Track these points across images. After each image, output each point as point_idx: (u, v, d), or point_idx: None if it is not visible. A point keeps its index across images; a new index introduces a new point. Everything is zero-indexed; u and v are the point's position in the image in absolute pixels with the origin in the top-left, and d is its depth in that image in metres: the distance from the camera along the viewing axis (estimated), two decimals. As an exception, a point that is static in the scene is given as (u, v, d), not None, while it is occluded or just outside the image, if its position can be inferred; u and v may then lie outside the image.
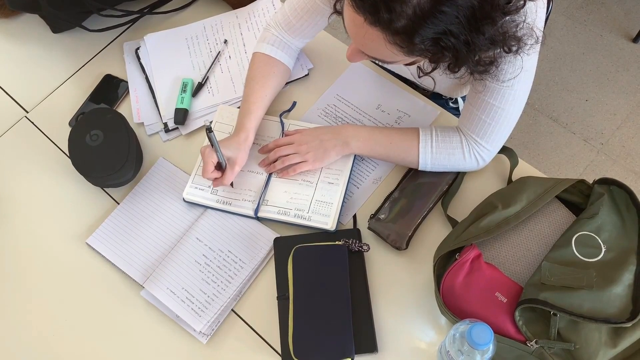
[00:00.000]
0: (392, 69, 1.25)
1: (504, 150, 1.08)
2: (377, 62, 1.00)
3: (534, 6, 0.87)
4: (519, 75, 0.92)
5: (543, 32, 0.89)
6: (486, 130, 1.01)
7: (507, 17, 0.77)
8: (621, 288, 0.86)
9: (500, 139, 1.03)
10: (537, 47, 0.89)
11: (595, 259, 0.90)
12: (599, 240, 0.92)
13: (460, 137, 1.04)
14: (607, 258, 0.90)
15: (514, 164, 1.08)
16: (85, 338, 1.02)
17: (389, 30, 0.74)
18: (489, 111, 0.98)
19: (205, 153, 1.03)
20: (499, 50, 0.81)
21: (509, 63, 0.90)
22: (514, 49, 0.82)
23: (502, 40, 0.79)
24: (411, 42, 0.74)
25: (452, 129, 1.06)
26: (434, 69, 0.89)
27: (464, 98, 1.33)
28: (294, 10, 1.11)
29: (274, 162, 1.10)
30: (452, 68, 0.84)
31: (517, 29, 0.80)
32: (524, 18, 0.80)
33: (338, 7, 0.88)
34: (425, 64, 1.01)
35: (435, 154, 1.04)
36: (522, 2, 0.77)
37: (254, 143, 1.13)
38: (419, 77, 1.06)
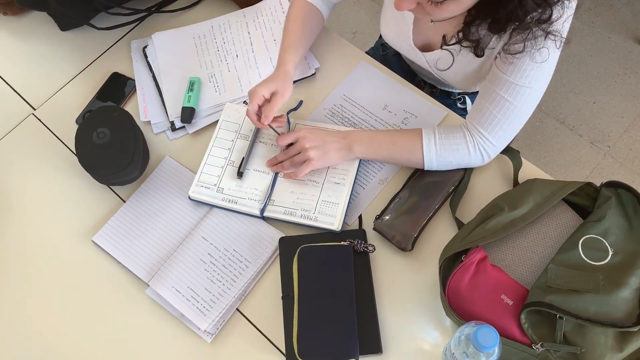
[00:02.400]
0: (412, 60, 1.23)
1: (508, 151, 1.08)
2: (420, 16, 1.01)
3: (566, 14, 0.89)
4: (537, 76, 0.93)
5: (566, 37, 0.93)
6: (495, 125, 1.00)
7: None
8: (628, 292, 0.86)
9: (506, 135, 1.02)
10: (559, 51, 0.92)
11: (602, 263, 0.90)
12: (606, 244, 0.91)
13: (464, 132, 1.04)
14: (614, 261, 0.90)
15: (517, 166, 1.08)
16: (90, 335, 1.02)
17: None
18: (501, 106, 0.98)
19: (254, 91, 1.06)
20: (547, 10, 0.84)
21: (529, 64, 0.92)
22: (555, 16, 0.85)
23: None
24: None
25: (454, 126, 1.06)
26: (473, 22, 0.91)
27: (472, 99, 1.32)
28: None
29: (282, 161, 1.10)
30: (502, 16, 0.85)
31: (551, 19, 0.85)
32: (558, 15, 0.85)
33: None
34: (452, 38, 1.03)
35: (439, 151, 1.04)
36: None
37: (261, 142, 1.13)
38: (441, 48, 1.07)
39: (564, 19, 0.89)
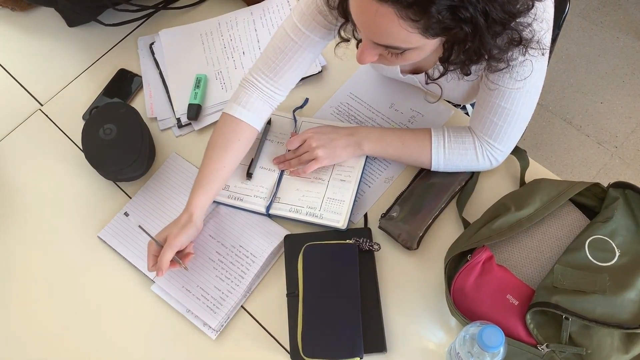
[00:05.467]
0: (403, 79, 1.22)
1: (515, 151, 1.07)
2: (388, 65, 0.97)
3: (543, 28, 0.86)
4: (529, 77, 0.91)
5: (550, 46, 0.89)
6: (498, 132, 1.00)
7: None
8: (635, 293, 0.85)
9: (512, 140, 1.02)
10: (547, 50, 0.89)
11: (609, 264, 0.89)
12: (613, 245, 0.91)
13: (473, 137, 1.03)
14: (621, 263, 0.89)
15: (524, 166, 1.07)
16: (95, 331, 1.03)
17: (400, 3, 0.71)
18: (500, 114, 0.97)
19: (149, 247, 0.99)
20: (515, 35, 0.80)
21: (519, 65, 0.89)
22: (528, 36, 0.82)
23: (515, 19, 0.78)
24: (426, 13, 0.71)
25: (464, 130, 1.05)
26: (448, 63, 0.86)
27: (472, 104, 1.31)
28: (277, 50, 1.02)
29: (289, 160, 1.10)
30: (470, 56, 0.82)
31: (528, 27, 0.81)
32: (532, 19, 0.81)
33: (343, 33, 0.94)
34: (434, 70, 1.00)
35: (447, 155, 1.04)
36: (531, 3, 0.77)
37: (268, 140, 1.13)
38: (426, 83, 1.05)
39: (542, 33, 0.85)
